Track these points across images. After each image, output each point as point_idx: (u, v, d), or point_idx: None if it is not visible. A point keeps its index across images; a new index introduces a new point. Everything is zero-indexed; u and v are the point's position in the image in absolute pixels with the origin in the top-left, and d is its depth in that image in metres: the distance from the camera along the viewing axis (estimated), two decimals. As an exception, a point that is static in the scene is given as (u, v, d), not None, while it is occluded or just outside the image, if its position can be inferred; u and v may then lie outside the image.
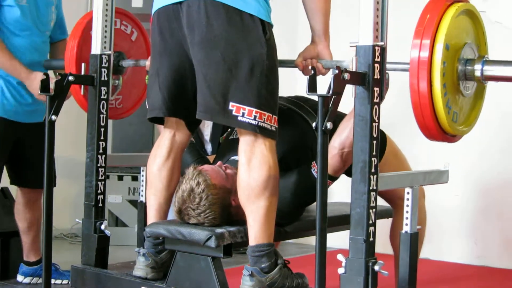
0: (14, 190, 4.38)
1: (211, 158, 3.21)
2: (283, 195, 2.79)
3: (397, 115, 3.44)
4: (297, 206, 2.87)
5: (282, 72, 2.72)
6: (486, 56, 2.52)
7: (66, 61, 3.32)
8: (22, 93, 3.74)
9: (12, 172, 3.95)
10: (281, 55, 3.29)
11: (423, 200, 3.11)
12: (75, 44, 3.30)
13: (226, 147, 3.10)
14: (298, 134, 2.98)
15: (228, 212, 2.81)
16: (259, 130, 2.60)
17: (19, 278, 4.08)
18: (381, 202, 3.01)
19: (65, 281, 4.00)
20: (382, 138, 2.99)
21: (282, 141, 2.84)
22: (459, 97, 2.50)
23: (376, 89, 2.35)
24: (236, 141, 2.97)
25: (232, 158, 2.98)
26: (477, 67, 2.46)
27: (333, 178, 2.77)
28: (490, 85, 2.62)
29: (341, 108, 2.29)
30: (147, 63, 3.15)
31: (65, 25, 4.04)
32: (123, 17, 3.50)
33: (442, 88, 2.34)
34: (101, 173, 3.17)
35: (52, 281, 3.89)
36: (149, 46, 3.54)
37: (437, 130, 2.42)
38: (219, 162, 2.91)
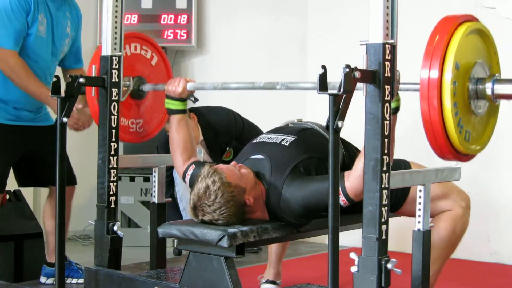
0: (25, 193, 4.40)
1: None
2: (295, 193, 2.81)
3: (408, 115, 3.43)
4: (308, 210, 2.87)
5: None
6: (497, 74, 2.50)
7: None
8: (20, 114, 3.86)
9: (38, 174, 3.97)
10: (290, 56, 3.32)
11: (468, 212, 3.00)
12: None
13: (248, 149, 3.14)
14: (317, 149, 3.00)
15: (242, 210, 2.84)
16: None
17: (42, 279, 4.12)
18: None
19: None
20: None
21: (302, 149, 2.96)
22: (471, 116, 2.49)
23: (387, 87, 2.35)
24: (260, 144, 3.06)
25: (252, 156, 3.02)
26: (488, 85, 2.45)
27: (351, 200, 2.70)
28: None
29: (352, 106, 2.28)
30: (166, 87, 3.21)
31: (81, 55, 4.14)
32: (143, 42, 3.51)
33: (453, 107, 2.33)
34: (113, 175, 3.18)
35: (75, 280, 4.08)
36: (170, 70, 3.62)
37: (449, 150, 2.41)
38: (233, 162, 2.95)
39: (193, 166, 3.16)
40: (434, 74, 2.32)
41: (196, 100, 3.26)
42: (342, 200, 2.65)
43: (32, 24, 3.72)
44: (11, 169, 3.97)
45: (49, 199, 4.06)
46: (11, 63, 3.67)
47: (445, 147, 2.40)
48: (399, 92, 2.56)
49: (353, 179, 2.65)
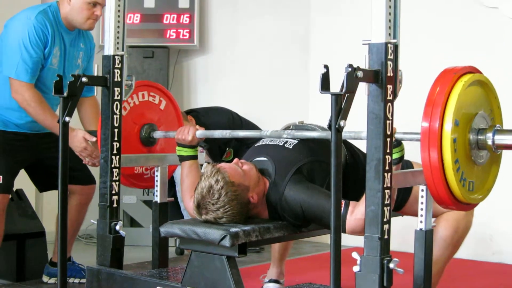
0: (28, 192, 4.40)
1: None
2: (300, 194, 2.81)
3: (410, 107, 3.43)
4: (305, 216, 2.86)
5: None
6: (498, 125, 2.53)
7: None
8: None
9: (53, 178, 3.95)
10: (292, 55, 3.31)
11: (472, 212, 2.98)
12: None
13: (250, 153, 3.14)
14: (320, 152, 3.00)
15: (246, 208, 2.85)
16: None
17: (44, 278, 4.13)
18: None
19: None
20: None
21: (306, 152, 2.96)
22: (473, 166, 2.51)
23: (389, 86, 2.35)
24: (262, 147, 3.09)
25: (256, 159, 3.03)
26: (489, 136, 2.48)
27: (344, 232, 2.69)
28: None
29: (354, 105, 2.28)
30: (176, 136, 3.25)
31: None
32: (151, 89, 3.54)
33: (454, 164, 2.36)
34: (115, 174, 3.18)
35: (77, 280, 4.09)
36: (179, 112, 3.65)
37: (452, 203, 2.45)
38: (235, 159, 2.94)
39: None
40: (434, 136, 2.34)
41: (206, 146, 3.32)
42: None
43: (47, 57, 3.74)
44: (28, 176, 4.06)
45: (75, 197, 4.04)
46: (27, 96, 3.69)
47: (449, 202, 2.44)
48: (403, 142, 2.60)
49: (355, 220, 2.64)
